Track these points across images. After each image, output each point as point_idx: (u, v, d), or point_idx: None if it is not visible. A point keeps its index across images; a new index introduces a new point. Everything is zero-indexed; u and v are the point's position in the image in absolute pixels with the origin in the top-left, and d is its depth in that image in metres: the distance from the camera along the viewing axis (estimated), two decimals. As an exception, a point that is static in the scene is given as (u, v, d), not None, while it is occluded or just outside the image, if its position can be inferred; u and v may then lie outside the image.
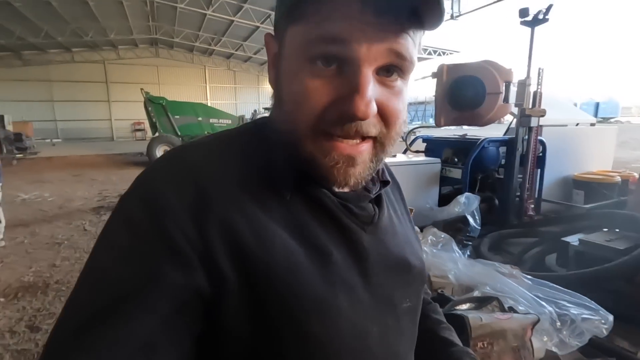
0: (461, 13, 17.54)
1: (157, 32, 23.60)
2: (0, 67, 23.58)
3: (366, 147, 0.47)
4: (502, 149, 4.17)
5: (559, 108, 5.36)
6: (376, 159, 0.49)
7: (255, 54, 26.61)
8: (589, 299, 1.92)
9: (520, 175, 3.96)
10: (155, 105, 13.02)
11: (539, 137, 4.12)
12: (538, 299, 1.98)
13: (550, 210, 4.52)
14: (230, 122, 14.50)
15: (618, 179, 4.51)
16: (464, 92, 3.64)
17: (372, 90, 0.43)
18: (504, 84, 3.56)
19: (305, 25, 0.42)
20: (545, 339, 1.84)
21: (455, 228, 3.33)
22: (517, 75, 3.74)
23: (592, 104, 34.14)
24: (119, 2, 17.10)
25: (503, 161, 4.21)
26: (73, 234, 5.07)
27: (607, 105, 33.98)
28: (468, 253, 3.22)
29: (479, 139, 3.88)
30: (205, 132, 13.55)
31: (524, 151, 3.86)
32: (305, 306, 0.43)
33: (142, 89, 13.33)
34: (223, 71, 30.12)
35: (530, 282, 2.22)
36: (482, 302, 1.94)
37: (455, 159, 3.99)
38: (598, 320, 1.83)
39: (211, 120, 14.10)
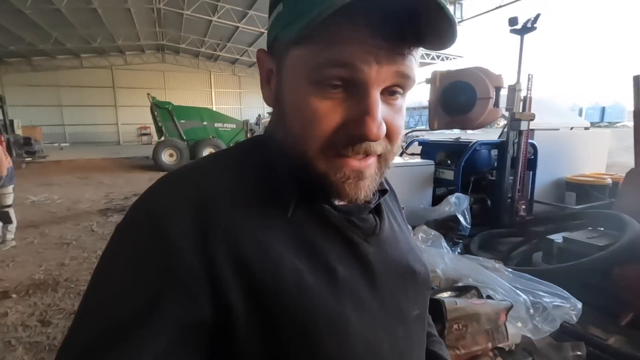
0: (464, 18, 17.69)
1: (164, 38, 23.88)
2: (11, 72, 24.03)
3: (372, 161, 0.47)
4: (495, 152, 4.32)
5: (553, 112, 5.51)
6: (380, 172, 0.50)
7: (260, 59, 26.73)
8: (561, 289, 2.06)
9: (512, 177, 4.11)
10: (161, 110, 13.21)
11: (530, 141, 4.27)
12: (515, 289, 2.12)
13: (543, 212, 4.65)
14: (234, 126, 14.62)
15: (609, 181, 4.64)
16: (456, 97, 3.81)
17: (381, 111, 0.43)
18: (494, 89, 3.72)
19: (313, 48, 0.41)
20: (519, 324, 1.99)
21: (447, 227, 3.48)
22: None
23: (598, 108, 34.10)
24: (126, 9, 17.37)
25: (496, 164, 4.36)
26: (81, 235, 5.25)
27: (613, 110, 33.85)
28: (459, 250, 3.36)
29: (471, 142, 4.03)
30: (210, 136, 13.73)
31: (515, 154, 4.00)
32: (317, 324, 0.43)
33: (148, 94, 13.54)
34: (228, 76, 30.39)
35: (510, 274, 2.37)
36: (462, 291, 2.09)
37: (449, 161, 4.15)
38: (568, 308, 1.98)
39: (216, 125, 14.20)
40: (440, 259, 2.61)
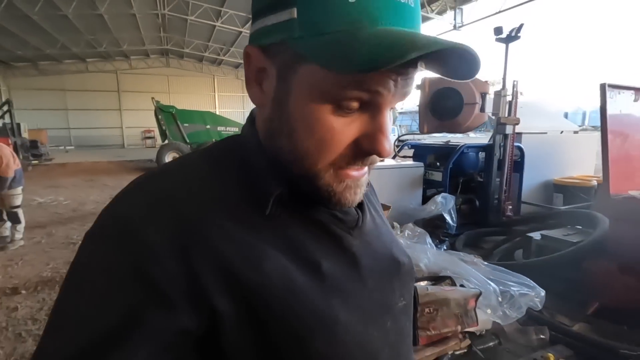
0: (464, 24, 17.90)
1: (168, 43, 24.21)
2: (18, 76, 24.43)
3: (366, 169, 0.49)
4: (483, 154, 4.50)
5: (544, 116, 5.68)
6: (368, 177, 0.51)
7: (262, 63, 26.97)
8: (528, 279, 2.25)
9: (499, 179, 4.29)
10: (165, 114, 13.40)
11: (517, 144, 4.46)
12: (487, 280, 2.30)
13: (532, 212, 4.82)
14: (237, 129, 14.67)
15: (594, 182, 4.81)
16: (444, 103, 4.01)
17: None
18: (480, 95, 3.91)
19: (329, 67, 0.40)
20: (489, 311, 2.18)
21: (434, 225, 3.67)
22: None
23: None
24: (132, 15, 17.68)
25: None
26: (86, 235, 5.43)
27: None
28: (445, 247, 3.55)
29: (458, 145, 4.22)
30: (213, 140, 13.83)
31: (501, 156, 4.19)
32: (307, 323, 0.43)
33: (152, 98, 13.75)
34: (231, 80, 30.69)
35: (486, 267, 2.55)
36: (437, 280, 2.28)
37: (437, 164, 4.33)
38: (533, 295, 2.17)
39: (219, 128, 14.39)
40: (423, 254, 2.80)
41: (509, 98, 4.09)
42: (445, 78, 0.45)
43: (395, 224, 3.39)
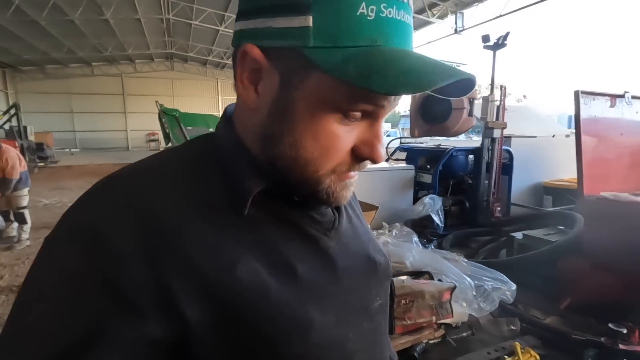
0: (465, 28, 18.03)
1: (173, 47, 24.49)
2: (25, 80, 24.82)
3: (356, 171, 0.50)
4: (472, 157, 4.65)
5: (534, 121, 5.83)
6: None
7: (265, 67, 27.19)
8: (502, 274, 2.40)
9: (487, 181, 4.44)
10: (168, 117, 13.58)
11: (506, 147, 4.60)
12: (464, 275, 2.46)
13: (522, 214, 4.96)
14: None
15: (582, 185, 4.93)
16: (433, 108, 4.16)
17: None
18: (468, 100, 4.06)
19: (348, 82, 0.39)
20: (464, 304, 2.33)
21: (422, 225, 3.81)
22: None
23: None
24: (137, 20, 17.93)
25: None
26: (91, 235, 5.57)
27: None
28: (432, 246, 3.69)
29: (448, 149, 4.37)
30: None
31: (489, 159, 4.33)
32: (280, 328, 0.42)
33: (156, 102, 13.93)
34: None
35: (465, 264, 2.71)
36: (416, 275, 2.43)
37: (428, 166, 4.48)
38: (505, 289, 2.32)
39: (221, 131, 14.56)
40: (409, 252, 2.95)
41: (496, 103, 4.24)
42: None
43: (384, 223, 3.54)
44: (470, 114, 4.06)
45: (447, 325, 2.27)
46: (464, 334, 2.22)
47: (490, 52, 4.21)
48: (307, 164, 0.44)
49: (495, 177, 4.39)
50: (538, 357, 1.91)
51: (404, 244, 3.13)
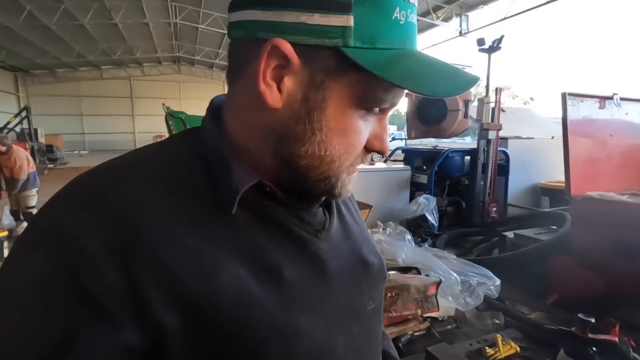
0: (470, 30, 18.07)
1: (180, 51, 24.89)
2: (36, 84, 25.41)
3: None
4: (468, 158, 4.72)
5: (532, 122, 5.87)
6: None
7: (272, 70, 27.54)
8: (487, 270, 2.48)
9: (483, 182, 4.50)
10: (175, 119, 13.73)
11: (503, 149, 4.67)
12: (452, 271, 2.53)
13: (514, 214, 5.01)
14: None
15: (579, 186, 4.97)
16: (429, 110, 4.25)
17: None
18: (463, 102, 4.14)
19: (378, 81, 0.40)
20: (450, 299, 2.41)
21: (417, 225, 3.89)
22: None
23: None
24: (145, 24, 18.28)
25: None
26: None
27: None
28: (426, 245, 3.77)
29: (443, 150, 4.46)
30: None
31: (485, 160, 4.40)
32: (261, 336, 0.41)
33: (163, 104, 14.14)
34: (241, 86, 31.20)
35: (454, 261, 2.78)
36: (405, 270, 2.52)
37: (424, 167, 4.57)
38: (489, 284, 2.40)
39: (227, 133, 14.73)
40: (401, 250, 3.04)
41: (492, 105, 4.32)
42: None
43: (379, 222, 3.63)
44: (466, 115, 4.14)
45: (434, 319, 2.35)
46: (449, 327, 2.30)
47: (492, 54, 4.30)
48: (332, 161, 0.44)
49: (490, 178, 4.45)
50: (518, 348, 1.98)
51: (397, 242, 3.21)
